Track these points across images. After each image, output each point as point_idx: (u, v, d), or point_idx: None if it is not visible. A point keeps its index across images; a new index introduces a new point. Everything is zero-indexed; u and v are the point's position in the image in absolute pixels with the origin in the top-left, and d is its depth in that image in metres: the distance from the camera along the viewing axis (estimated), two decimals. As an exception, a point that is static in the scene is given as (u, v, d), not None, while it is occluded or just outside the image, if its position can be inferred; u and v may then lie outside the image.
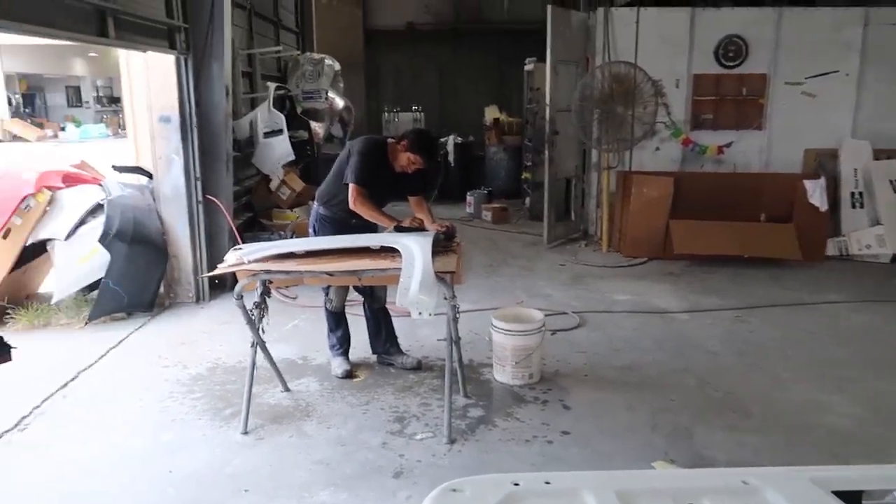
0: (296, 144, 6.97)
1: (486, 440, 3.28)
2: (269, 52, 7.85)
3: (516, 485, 1.19)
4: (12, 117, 25.96)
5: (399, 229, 3.64)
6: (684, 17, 7.06)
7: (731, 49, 7.11)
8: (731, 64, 7.14)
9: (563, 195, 7.78)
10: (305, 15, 9.81)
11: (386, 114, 11.95)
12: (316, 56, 8.64)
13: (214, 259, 5.28)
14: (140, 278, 5.01)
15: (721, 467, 2.94)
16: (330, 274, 3.30)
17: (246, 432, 3.32)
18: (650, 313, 5.15)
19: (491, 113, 10.84)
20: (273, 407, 3.63)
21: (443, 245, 3.48)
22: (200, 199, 5.34)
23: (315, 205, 3.95)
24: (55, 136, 26.13)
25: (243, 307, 3.30)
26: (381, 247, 3.36)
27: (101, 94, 33.63)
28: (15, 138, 24.71)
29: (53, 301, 4.97)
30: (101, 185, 5.29)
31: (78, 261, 4.93)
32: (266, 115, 6.66)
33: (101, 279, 4.87)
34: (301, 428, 3.39)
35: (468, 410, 3.59)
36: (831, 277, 6.11)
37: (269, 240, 5.61)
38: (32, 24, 3.46)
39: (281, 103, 7.18)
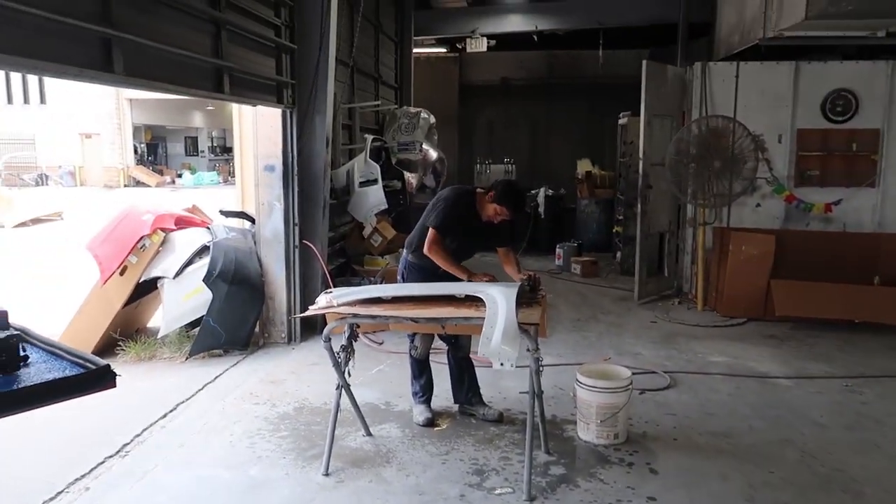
0: (389, 194, 7.19)
1: (566, 500, 3.16)
2: (369, 106, 8.23)
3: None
4: (137, 164, 28.43)
5: (472, 281, 3.63)
6: (787, 71, 6.84)
7: (840, 103, 6.79)
8: (840, 119, 6.81)
9: (655, 250, 7.58)
10: (404, 71, 10.25)
11: (478, 165, 12.17)
12: (412, 110, 8.98)
13: (307, 302, 5.47)
14: (238, 317, 5.26)
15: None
16: (414, 321, 3.34)
17: (327, 474, 3.37)
18: (748, 377, 4.86)
19: (583, 166, 10.82)
20: (354, 450, 3.67)
21: (528, 297, 3.45)
22: (297, 243, 5.59)
23: (405, 252, 4.04)
24: (172, 182, 28.34)
25: (331, 349, 3.39)
26: (466, 296, 3.38)
27: (215, 143, 36.26)
28: (138, 184, 26.99)
29: (160, 335, 5.29)
30: (208, 228, 5.65)
31: (184, 298, 5.25)
32: (363, 165, 6.93)
33: (202, 317, 5.15)
34: (380, 473, 3.40)
35: (549, 468, 3.48)
36: (957, 349, 5.57)
37: (359, 285, 5.78)
38: (161, 81, 3.86)
39: (377, 154, 7.47)
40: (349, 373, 3.50)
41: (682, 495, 3.22)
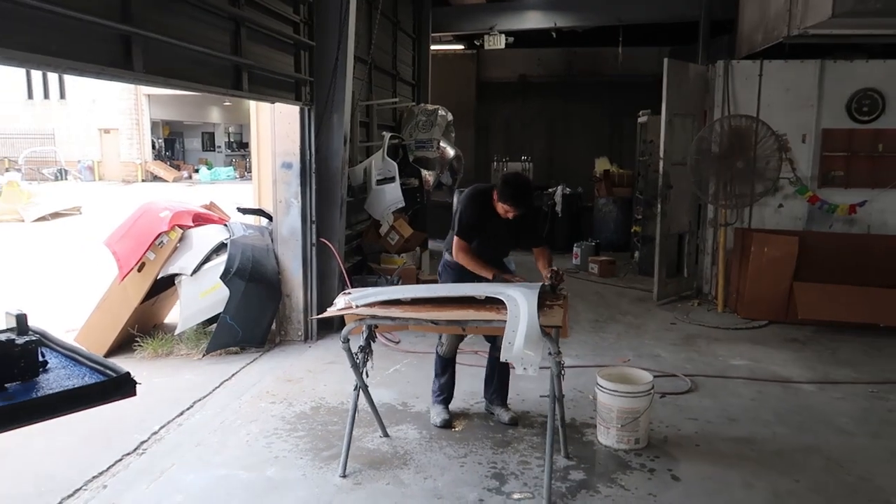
0: (406, 192, 7.15)
1: (587, 507, 3.12)
2: (386, 103, 8.18)
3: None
4: (154, 159, 28.67)
5: (497, 280, 3.62)
6: (812, 70, 6.71)
7: (866, 103, 6.65)
8: (866, 119, 6.67)
9: (675, 251, 7.48)
10: (422, 68, 10.19)
11: (495, 163, 12.10)
12: (430, 107, 8.92)
13: (324, 299, 5.47)
14: (254, 315, 5.25)
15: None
16: (434, 323, 3.30)
17: (344, 475, 3.34)
18: (771, 382, 4.77)
19: (601, 164, 10.72)
20: (372, 452, 3.64)
21: (549, 297, 3.40)
22: (314, 241, 5.57)
23: (444, 252, 4.04)
24: (189, 177, 28.54)
25: (349, 350, 3.36)
26: (487, 297, 3.33)
27: (231, 139, 36.45)
28: (155, 178, 27.22)
29: (177, 332, 5.30)
30: (226, 225, 5.64)
31: (201, 295, 5.25)
32: (380, 163, 6.90)
33: (219, 314, 5.15)
34: (398, 476, 3.37)
35: (569, 472, 3.43)
36: None
37: (376, 283, 5.75)
38: (180, 78, 3.84)
39: (394, 151, 7.43)
40: (367, 374, 3.47)
41: (705, 503, 3.15)
